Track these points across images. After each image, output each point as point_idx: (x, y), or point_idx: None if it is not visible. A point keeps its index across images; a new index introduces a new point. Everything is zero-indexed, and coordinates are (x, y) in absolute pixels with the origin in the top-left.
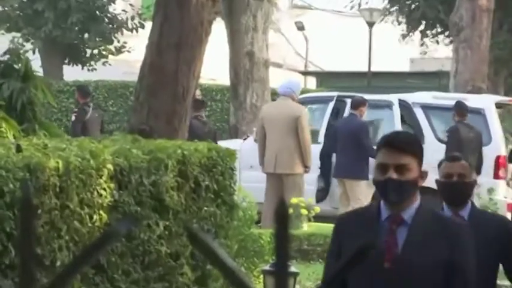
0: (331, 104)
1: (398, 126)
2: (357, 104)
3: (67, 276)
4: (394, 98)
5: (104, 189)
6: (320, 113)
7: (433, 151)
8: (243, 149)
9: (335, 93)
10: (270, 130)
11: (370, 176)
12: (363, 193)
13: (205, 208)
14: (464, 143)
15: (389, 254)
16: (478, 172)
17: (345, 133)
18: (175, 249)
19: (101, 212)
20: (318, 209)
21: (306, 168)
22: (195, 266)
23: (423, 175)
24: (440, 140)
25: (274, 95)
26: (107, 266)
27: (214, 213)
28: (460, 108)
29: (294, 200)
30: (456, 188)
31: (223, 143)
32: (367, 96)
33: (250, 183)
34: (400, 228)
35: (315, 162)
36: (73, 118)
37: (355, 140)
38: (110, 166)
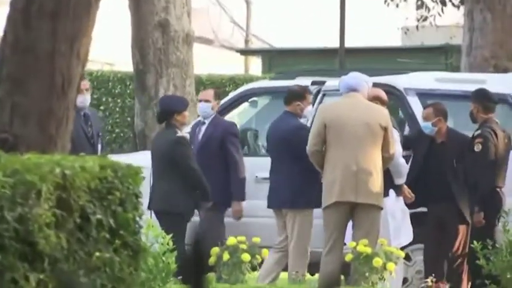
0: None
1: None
2: (291, 98)
3: None
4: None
5: None
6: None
7: None
8: None
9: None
10: (339, 139)
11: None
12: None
13: (98, 254)
14: (500, 156)
15: None
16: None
17: (276, 140)
18: None
19: None
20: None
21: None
22: None
23: None
24: None
25: (201, 84)
26: None
27: (110, 260)
28: (486, 99)
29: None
30: None
31: (124, 158)
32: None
33: None
34: None
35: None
36: None
37: (290, 149)
38: None
